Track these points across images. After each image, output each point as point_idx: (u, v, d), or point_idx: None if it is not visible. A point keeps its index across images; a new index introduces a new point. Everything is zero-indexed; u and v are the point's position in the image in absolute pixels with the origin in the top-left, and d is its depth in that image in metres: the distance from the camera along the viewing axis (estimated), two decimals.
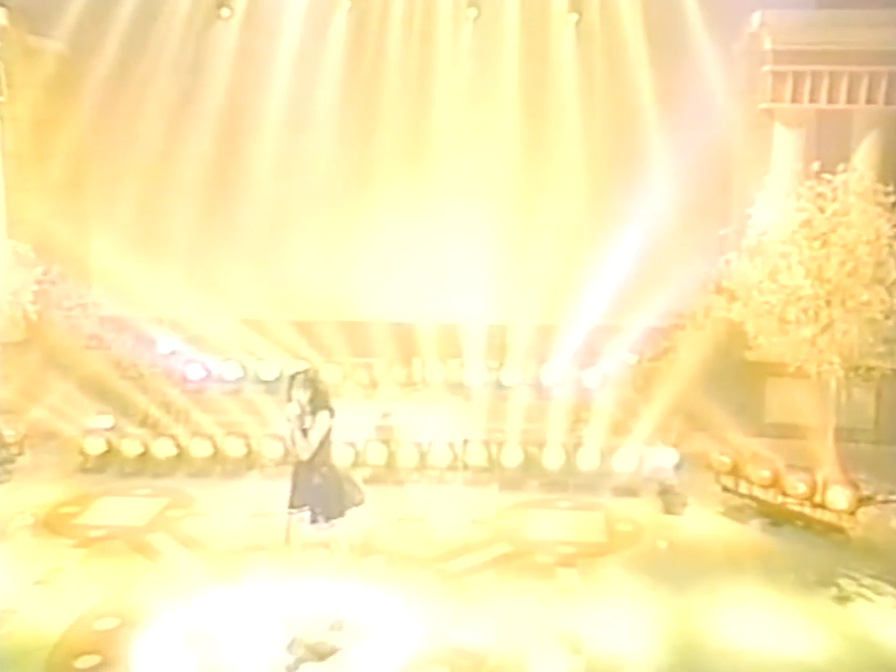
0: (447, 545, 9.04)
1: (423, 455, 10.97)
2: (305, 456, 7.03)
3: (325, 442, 7.08)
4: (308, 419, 7.00)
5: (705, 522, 9.87)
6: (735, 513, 10.00)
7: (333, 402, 7.14)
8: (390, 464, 10.91)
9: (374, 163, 13.04)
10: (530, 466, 10.90)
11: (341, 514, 7.16)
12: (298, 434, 7.02)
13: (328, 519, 7.11)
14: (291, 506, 7.14)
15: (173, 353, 12.90)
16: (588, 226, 12.75)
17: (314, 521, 7.09)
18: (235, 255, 13.00)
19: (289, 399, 7.06)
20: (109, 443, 11.34)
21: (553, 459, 10.86)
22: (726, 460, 10.36)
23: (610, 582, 8.31)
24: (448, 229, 12.88)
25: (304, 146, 13.03)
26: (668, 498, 10.18)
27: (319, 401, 7.05)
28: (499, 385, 12.35)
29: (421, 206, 13.04)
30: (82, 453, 11.30)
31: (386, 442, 11.06)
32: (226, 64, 13.12)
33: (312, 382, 7.10)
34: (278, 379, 11.95)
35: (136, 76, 12.88)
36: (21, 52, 12.50)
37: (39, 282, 11.57)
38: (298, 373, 7.23)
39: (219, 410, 12.04)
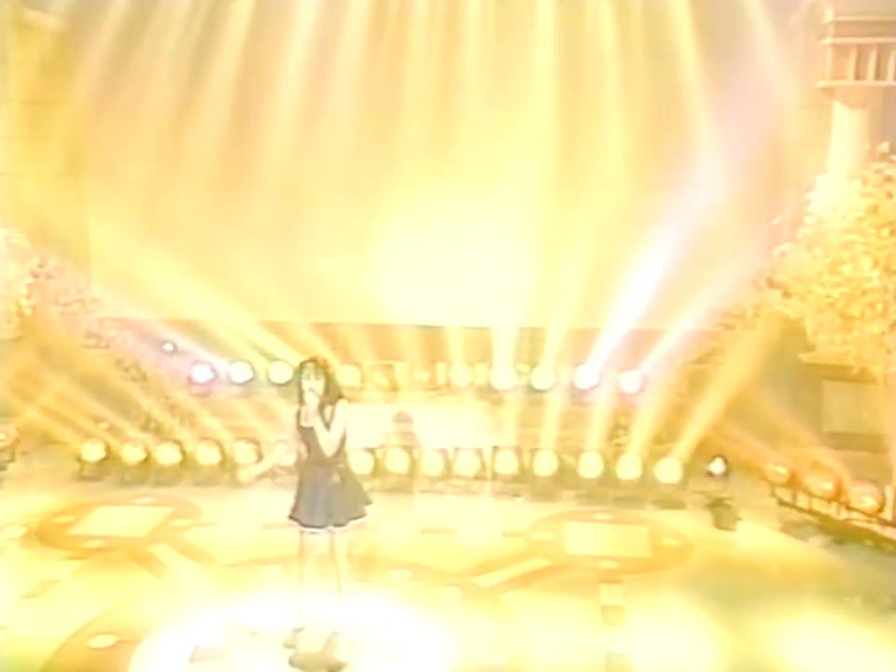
0: (477, 559, 8.81)
1: (448, 464, 10.75)
2: (330, 452, 6.87)
3: (343, 436, 6.93)
4: (328, 410, 6.84)
5: (760, 538, 9.56)
6: (794, 529, 9.68)
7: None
8: (413, 472, 10.72)
9: (398, 154, 12.76)
10: (565, 475, 10.68)
11: (361, 515, 7.06)
12: (320, 428, 6.81)
13: (342, 523, 6.95)
14: (309, 522, 6.95)
15: (177, 352, 12.69)
16: (629, 218, 12.43)
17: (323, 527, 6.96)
18: (247, 249, 12.70)
19: (301, 392, 6.86)
20: (109, 449, 11.18)
21: (590, 468, 10.64)
22: (782, 471, 10.08)
23: (659, 601, 8.04)
24: (477, 224, 12.57)
25: (322, 132, 12.80)
26: (719, 512, 9.91)
27: (334, 390, 6.92)
28: (531, 390, 12.06)
29: (448, 201, 12.77)
30: (79, 459, 11.14)
31: (408, 449, 10.85)
32: (237, 43, 12.85)
33: (324, 369, 6.94)
34: (291, 381, 11.73)
35: (140, 54, 12.62)
36: (17, 28, 12.33)
37: (34, 274, 11.35)
38: (308, 362, 7.01)
39: (228, 414, 11.85)
